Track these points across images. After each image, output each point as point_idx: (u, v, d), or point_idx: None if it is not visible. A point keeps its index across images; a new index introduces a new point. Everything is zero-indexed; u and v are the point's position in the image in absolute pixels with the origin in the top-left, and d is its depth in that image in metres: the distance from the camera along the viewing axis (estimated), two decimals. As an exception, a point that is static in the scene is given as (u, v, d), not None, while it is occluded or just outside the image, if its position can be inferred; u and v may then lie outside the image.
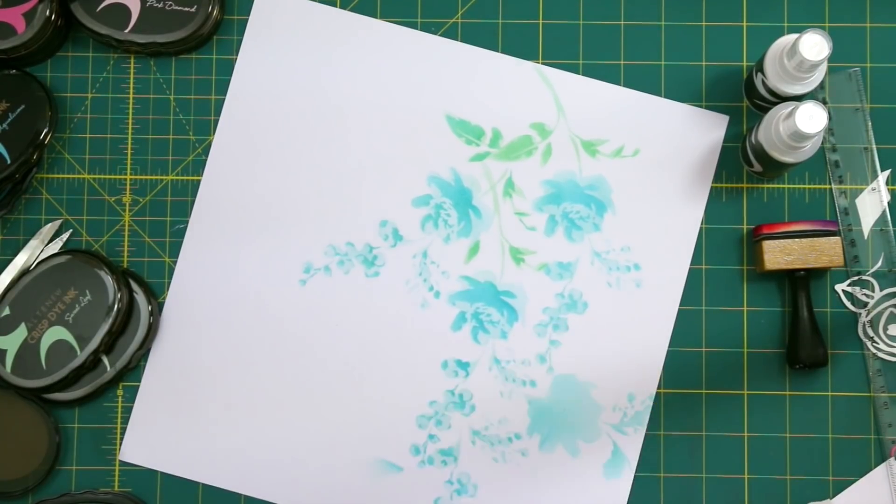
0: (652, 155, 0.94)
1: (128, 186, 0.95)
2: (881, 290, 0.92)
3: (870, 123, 0.93)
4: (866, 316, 0.92)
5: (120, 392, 0.93)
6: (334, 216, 0.94)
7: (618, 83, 0.94)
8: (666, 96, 0.94)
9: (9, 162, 0.92)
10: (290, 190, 0.94)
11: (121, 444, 0.93)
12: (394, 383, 0.92)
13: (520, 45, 0.95)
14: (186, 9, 0.93)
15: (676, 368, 0.93)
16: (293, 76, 0.95)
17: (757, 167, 0.91)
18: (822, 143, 0.93)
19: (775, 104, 0.90)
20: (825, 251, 0.90)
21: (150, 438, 0.92)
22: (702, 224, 0.93)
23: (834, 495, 0.91)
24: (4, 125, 0.92)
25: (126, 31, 0.93)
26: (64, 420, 0.93)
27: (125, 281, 0.91)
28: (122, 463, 0.93)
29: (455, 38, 0.95)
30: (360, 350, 0.93)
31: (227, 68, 0.95)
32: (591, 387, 0.92)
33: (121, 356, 0.92)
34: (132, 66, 0.95)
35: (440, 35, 0.95)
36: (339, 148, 0.94)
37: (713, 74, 0.94)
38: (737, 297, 0.93)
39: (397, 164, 0.94)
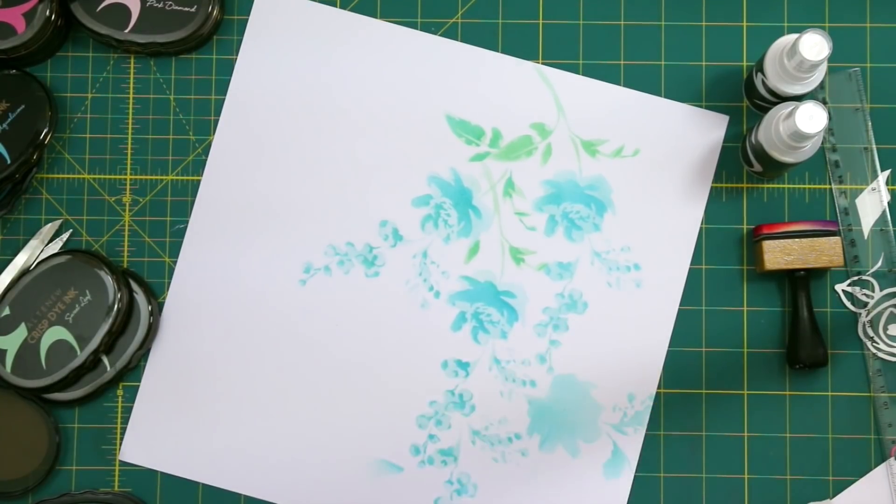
0: (652, 155, 0.94)
1: (128, 186, 0.95)
2: (881, 290, 0.92)
3: (870, 123, 0.93)
4: (866, 316, 0.92)
5: (120, 392, 0.93)
6: (334, 216, 0.94)
7: (618, 83, 0.94)
8: (666, 96, 0.94)
9: (9, 162, 0.92)
10: (290, 190, 0.94)
11: (121, 444, 0.93)
12: (394, 383, 0.92)
13: (520, 45, 0.95)
14: (186, 9, 0.93)
15: (676, 368, 0.93)
16: (293, 76, 0.95)
17: (757, 167, 0.91)
18: (822, 143, 0.93)
19: (775, 104, 0.90)
20: (825, 251, 0.90)
21: (150, 438, 0.92)
22: (702, 224, 0.93)
23: (834, 495, 0.91)
24: (4, 125, 0.92)
25: (126, 31, 0.93)
26: (64, 420, 0.93)
27: (125, 281, 0.91)
28: (122, 463, 0.93)
29: (455, 38, 0.95)
30: (359, 350, 0.93)
31: (227, 68, 0.95)
32: (591, 387, 0.92)
33: (121, 356, 0.92)
34: (132, 66, 0.95)
35: (440, 35, 0.95)
36: (338, 148, 0.94)
37: (713, 74, 0.94)
38: (737, 297, 0.93)
39: (397, 164, 0.94)
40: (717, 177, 0.94)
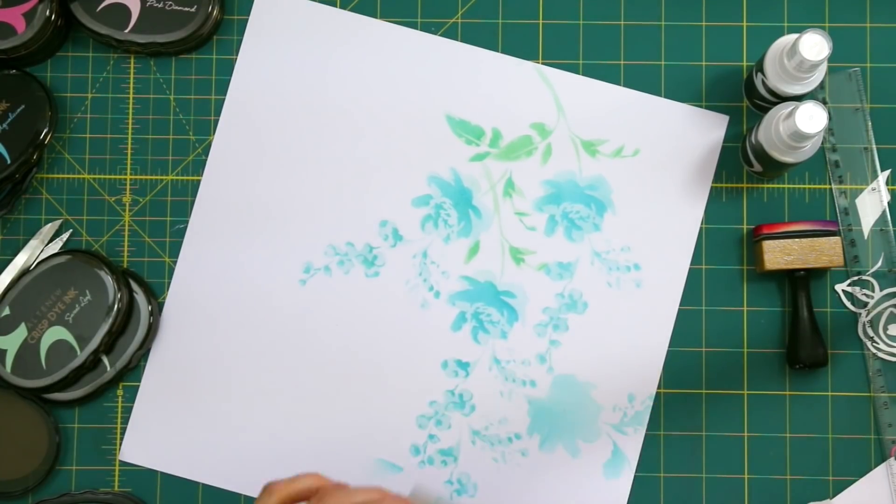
0: (652, 155, 0.94)
1: (128, 186, 0.95)
2: (881, 290, 0.92)
3: (870, 123, 0.93)
4: (866, 316, 0.92)
5: (120, 392, 0.93)
6: (334, 216, 0.94)
7: (618, 83, 0.94)
8: (666, 96, 0.94)
9: (9, 162, 0.92)
10: (290, 190, 0.94)
11: (121, 444, 0.93)
12: (394, 383, 0.92)
13: (520, 45, 0.95)
14: (186, 9, 0.93)
15: (676, 368, 0.93)
16: (293, 76, 0.95)
17: (757, 167, 0.91)
18: (822, 143, 0.93)
19: (775, 104, 0.90)
20: (825, 251, 0.90)
21: (150, 438, 0.92)
22: (702, 224, 0.93)
23: (834, 495, 0.91)
24: (4, 125, 0.92)
25: (126, 31, 0.93)
26: (64, 420, 0.93)
27: (125, 281, 0.91)
28: (122, 463, 0.93)
29: (455, 38, 0.95)
30: (359, 350, 0.93)
31: (227, 68, 0.95)
32: (591, 387, 0.92)
33: (121, 356, 0.92)
34: (132, 66, 0.95)
35: (440, 35, 0.95)
36: (338, 148, 0.94)
37: (713, 74, 0.94)
38: (737, 297, 0.93)
39: (397, 164, 0.94)
40: (717, 177, 0.94)
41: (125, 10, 0.93)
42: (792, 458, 0.92)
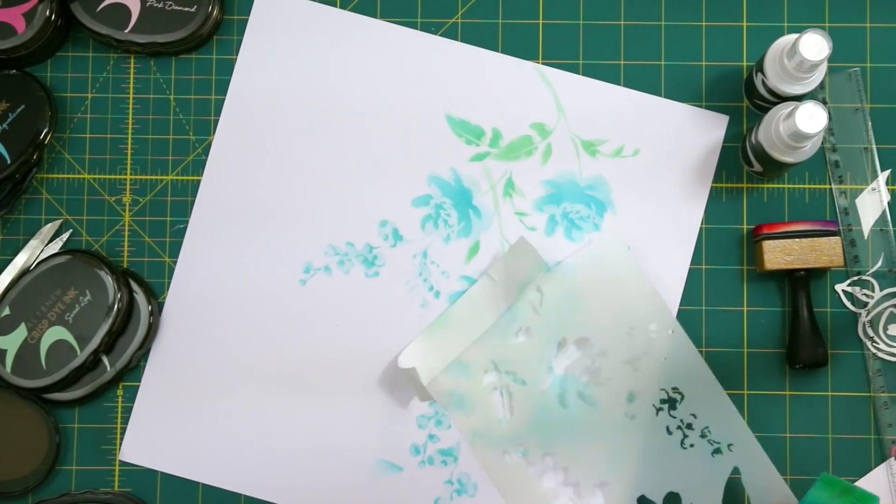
0: (652, 155, 0.94)
1: (128, 186, 0.95)
2: (881, 290, 0.92)
3: (870, 123, 0.93)
4: (866, 316, 0.92)
5: (120, 392, 0.93)
6: (334, 216, 0.94)
7: (618, 83, 0.94)
8: (666, 96, 0.94)
9: (9, 162, 0.92)
10: (290, 190, 0.94)
11: (121, 444, 0.93)
12: (394, 383, 0.92)
13: (520, 45, 0.95)
14: (186, 9, 0.93)
15: (676, 368, 0.93)
16: (293, 76, 0.95)
17: (757, 167, 0.91)
18: (822, 143, 0.93)
19: (775, 104, 0.90)
20: (825, 251, 0.90)
21: (150, 438, 0.93)
22: (702, 224, 0.93)
23: (834, 495, 0.91)
24: (4, 125, 0.92)
25: (126, 31, 0.93)
26: (64, 420, 0.93)
27: (125, 281, 0.91)
28: (122, 463, 0.93)
29: (455, 38, 0.95)
30: (360, 350, 0.93)
31: (227, 68, 0.95)
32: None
33: (121, 356, 0.92)
34: (132, 66, 0.96)
35: (440, 35, 0.95)
36: (339, 148, 0.94)
37: (713, 74, 0.94)
38: (737, 297, 0.93)
39: (397, 164, 0.94)
40: (717, 177, 0.94)
41: (125, 10, 0.93)
42: (792, 458, 0.92)
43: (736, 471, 0.90)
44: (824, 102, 0.94)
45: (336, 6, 0.95)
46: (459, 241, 0.94)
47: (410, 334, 0.93)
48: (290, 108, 0.95)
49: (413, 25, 0.95)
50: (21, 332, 0.90)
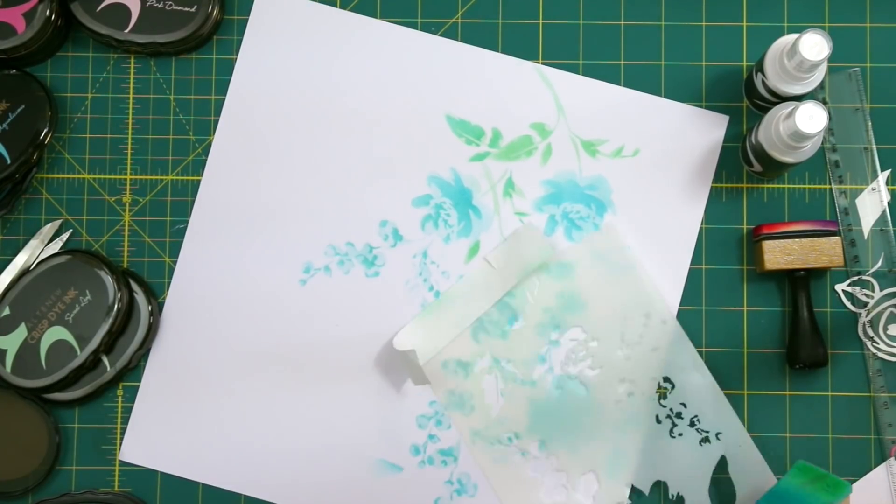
0: (652, 155, 0.94)
1: (128, 186, 0.95)
2: (881, 290, 0.92)
3: (870, 123, 0.93)
4: (866, 316, 0.92)
5: (120, 392, 0.93)
6: (334, 216, 0.94)
7: (618, 83, 0.94)
8: (666, 96, 0.94)
9: (9, 162, 0.92)
10: (290, 190, 0.94)
11: (121, 444, 0.93)
12: (394, 383, 0.92)
13: (520, 45, 0.95)
14: (186, 9, 0.93)
15: (676, 368, 0.93)
16: (293, 76, 0.95)
17: (757, 167, 0.91)
18: (822, 143, 0.93)
19: (775, 104, 0.90)
20: (825, 251, 0.90)
21: (150, 438, 0.93)
22: (702, 224, 0.93)
23: (834, 495, 0.91)
24: (4, 125, 0.92)
25: (126, 31, 0.93)
26: (64, 420, 0.93)
27: (125, 281, 0.91)
28: (122, 463, 0.93)
29: (455, 38, 0.95)
30: (360, 350, 0.93)
31: (227, 68, 0.95)
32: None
33: (121, 356, 0.92)
34: (132, 66, 0.95)
35: (440, 35, 0.95)
36: (339, 148, 0.94)
37: (713, 74, 0.94)
38: (737, 297, 0.93)
39: (397, 164, 0.94)
40: (717, 177, 0.94)
41: (125, 10, 0.93)
42: (792, 458, 0.92)
43: (723, 461, 0.90)
44: (824, 102, 0.94)
45: (336, 6, 0.95)
46: (459, 241, 0.94)
47: (410, 334, 0.93)
48: (289, 108, 0.95)
49: (413, 25, 0.95)
50: (21, 332, 0.90)
